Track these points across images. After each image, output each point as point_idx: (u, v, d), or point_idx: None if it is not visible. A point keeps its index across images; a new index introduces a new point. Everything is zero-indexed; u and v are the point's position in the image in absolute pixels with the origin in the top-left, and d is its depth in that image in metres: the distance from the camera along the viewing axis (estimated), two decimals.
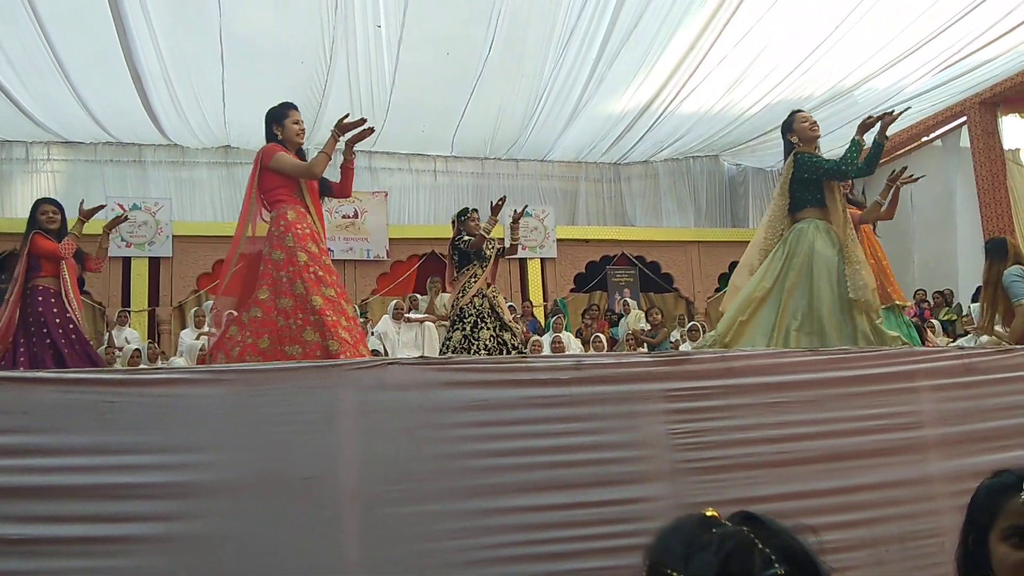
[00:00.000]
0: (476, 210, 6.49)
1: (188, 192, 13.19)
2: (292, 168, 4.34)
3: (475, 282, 6.15)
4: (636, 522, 2.90)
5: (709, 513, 1.04)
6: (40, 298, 5.29)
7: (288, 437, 2.69)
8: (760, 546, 0.96)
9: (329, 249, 4.66)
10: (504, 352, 5.86)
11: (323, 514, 2.65)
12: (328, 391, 2.78)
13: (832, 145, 13.56)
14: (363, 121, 4.38)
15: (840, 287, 4.41)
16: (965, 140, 12.21)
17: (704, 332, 11.24)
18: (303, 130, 4.56)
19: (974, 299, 9.96)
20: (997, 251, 5.61)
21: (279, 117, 4.50)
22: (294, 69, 10.00)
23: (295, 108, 4.60)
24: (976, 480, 3.26)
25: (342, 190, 4.71)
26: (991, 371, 3.52)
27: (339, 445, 2.74)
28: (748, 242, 14.77)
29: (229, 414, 2.67)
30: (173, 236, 11.88)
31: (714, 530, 1.00)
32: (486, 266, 6.22)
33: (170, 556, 2.50)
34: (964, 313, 10.37)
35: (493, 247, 6.36)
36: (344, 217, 12.54)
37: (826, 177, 4.57)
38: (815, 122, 4.75)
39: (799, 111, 4.85)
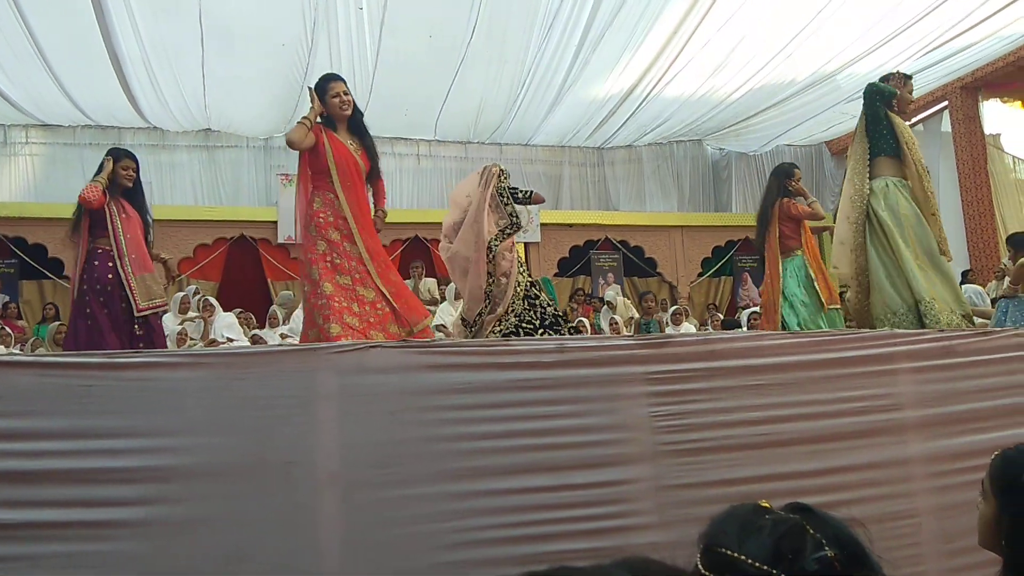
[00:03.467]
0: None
1: (168, 176, 13.05)
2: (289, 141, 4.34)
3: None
4: (618, 504, 2.92)
5: (763, 503, 1.09)
6: (96, 262, 4.84)
7: (268, 421, 2.68)
8: (811, 531, 1.01)
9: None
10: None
11: (303, 498, 2.65)
12: (308, 375, 2.77)
13: (815, 129, 13.69)
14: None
15: (921, 243, 4.65)
16: (946, 125, 12.26)
17: (688, 316, 11.28)
18: (345, 100, 4.46)
19: (961, 281, 10.04)
20: (1021, 244, 6.45)
21: (320, 90, 4.45)
22: (275, 51, 9.91)
23: (337, 79, 4.51)
24: (953, 462, 3.30)
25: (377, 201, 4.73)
26: (970, 353, 3.55)
27: (320, 429, 2.73)
28: (731, 227, 14.72)
29: (208, 398, 2.66)
30: (154, 220, 11.76)
31: (767, 516, 1.05)
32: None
33: (148, 540, 2.49)
34: None
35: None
36: None
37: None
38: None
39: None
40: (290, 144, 4.32)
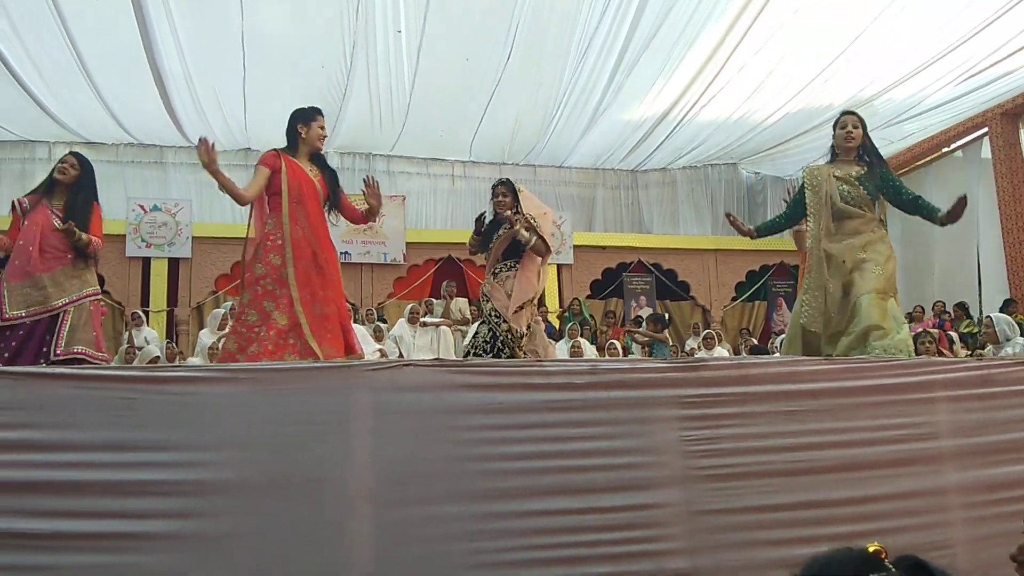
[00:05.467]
0: (504, 182, 5.50)
1: (208, 194, 13.24)
2: (250, 187, 4.47)
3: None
4: (647, 528, 2.90)
5: (872, 549, 0.91)
6: None
7: (302, 437, 2.70)
8: None
9: (344, 253, 4.67)
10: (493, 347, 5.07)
11: (336, 514, 2.66)
12: (343, 392, 2.79)
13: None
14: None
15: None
16: (986, 151, 12.10)
17: (720, 340, 11.21)
18: (325, 136, 4.65)
19: (1002, 310, 9.85)
20: None
21: (307, 117, 4.56)
22: (314, 73, 10.06)
23: (322, 114, 4.64)
24: (989, 492, 3.25)
25: (353, 219, 4.77)
26: (1009, 383, 3.49)
27: (353, 446, 2.75)
28: (766, 251, 14.62)
29: (245, 413, 2.69)
30: (193, 237, 11.98)
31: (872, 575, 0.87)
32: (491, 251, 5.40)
33: (184, 553, 2.52)
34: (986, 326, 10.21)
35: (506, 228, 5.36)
36: None
37: None
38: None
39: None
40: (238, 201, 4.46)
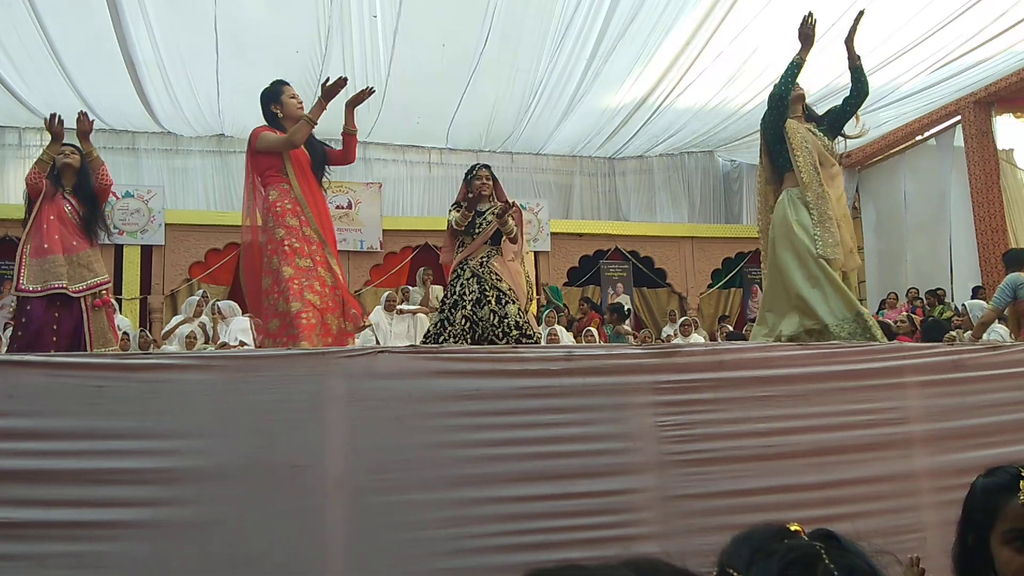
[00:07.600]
0: (487, 166, 5.50)
1: (181, 180, 13.16)
2: (275, 143, 4.33)
3: (460, 252, 5.27)
4: (622, 513, 2.92)
5: (793, 527, 1.02)
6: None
7: (276, 424, 2.69)
8: (826, 561, 0.93)
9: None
10: (475, 332, 4.89)
11: (310, 502, 2.66)
12: (317, 379, 2.78)
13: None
14: (344, 81, 4.39)
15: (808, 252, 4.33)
16: (959, 139, 12.22)
17: (697, 327, 11.28)
18: (301, 103, 4.58)
19: (972, 298, 9.98)
20: (1013, 262, 6.47)
21: (275, 95, 4.51)
22: (289, 59, 9.96)
23: (288, 84, 4.60)
24: (959, 477, 3.28)
25: (344, 156, 4.71)
26: (980, 368, 3.53)
27: (327, 433, 2.74)
28: (742, 238, 14.69)
29: (218, 400, 2.67)
30: (166, 224, 11.85)
31: (785, 540, 0.99)
32: (476, 235, 5.23)
33: (156, 541, 2.50)
34: (960, 312, 10.34)
35: (492, 211, 5.24)
36: (338, 207, 12.51)
37: (774, 113, 4.81)
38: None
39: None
40: (294, 145, 4.35)
